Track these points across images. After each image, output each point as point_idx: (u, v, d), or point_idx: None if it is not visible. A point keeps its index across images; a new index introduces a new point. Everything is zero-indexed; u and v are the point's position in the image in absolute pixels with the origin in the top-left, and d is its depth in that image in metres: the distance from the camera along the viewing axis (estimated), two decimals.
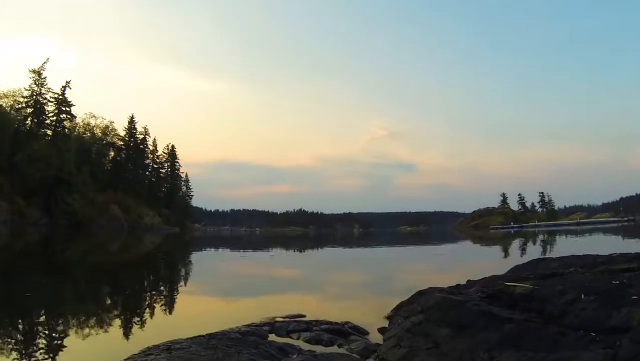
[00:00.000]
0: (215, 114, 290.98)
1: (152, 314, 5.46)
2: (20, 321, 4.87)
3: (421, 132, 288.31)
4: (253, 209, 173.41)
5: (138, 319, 5.12)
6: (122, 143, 63.87)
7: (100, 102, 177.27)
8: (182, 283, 8.89)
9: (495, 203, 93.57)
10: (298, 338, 3.88)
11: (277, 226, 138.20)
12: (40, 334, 4.30)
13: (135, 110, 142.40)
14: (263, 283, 8.46)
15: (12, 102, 47.99)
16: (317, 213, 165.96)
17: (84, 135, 56.96)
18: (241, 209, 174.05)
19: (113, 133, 62.47)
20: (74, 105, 50.69)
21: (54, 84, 48.30)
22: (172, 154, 73.53)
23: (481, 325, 2.92)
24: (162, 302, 6.44)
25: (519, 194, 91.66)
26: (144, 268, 11.98)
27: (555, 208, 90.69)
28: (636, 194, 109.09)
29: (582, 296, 2.88)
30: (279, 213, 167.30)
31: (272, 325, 4.21)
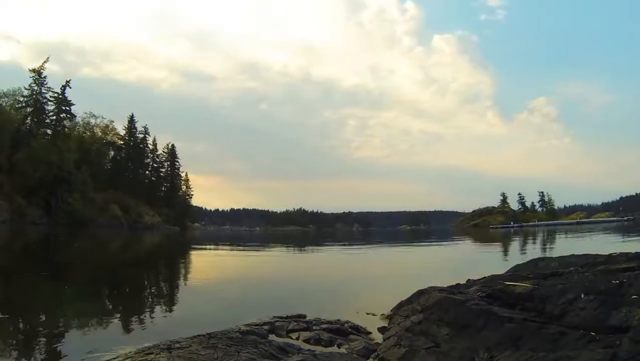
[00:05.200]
0: None
1: (152, 313, 5.46)
2: (20, 320, 4.88)
3: None
4: (253, 209, 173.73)
5: (138, 318, 5.13)
6: (122, 142, 63.85)
7: None
8: (182, 282, 8.89)
9: (495, 202, 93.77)
10: (298, 338, 3.88)
11: (277, 225, 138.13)
12: (41, 333, 4.30)
13: None
14: (263, 281, 8.47)
15: (12, 102, 48.00)
16: (317, 212, 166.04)
17: (84, 134, 56.87)
18: (241, 209, 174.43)
19: (113, 133, 62.46)
20: (74, 104, 50.75)
21: None
22: (172, 153, 73.49)
23: (481, 324, 2.92)
24: (162, 301, 6.44)
25: (519, 194, 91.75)
26: (144, 267, 11.98)
27: (555, 207, 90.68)
28: (636, 194, 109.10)
29: (582, 295, 2.87)
30: (278, 212, 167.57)
31: (272, 324, 4.21)
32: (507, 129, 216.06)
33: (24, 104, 48.12)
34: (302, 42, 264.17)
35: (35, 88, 48.03)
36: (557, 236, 28.07)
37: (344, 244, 24.57)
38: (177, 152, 74.28)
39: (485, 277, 4.82)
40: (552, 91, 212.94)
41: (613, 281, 2.99)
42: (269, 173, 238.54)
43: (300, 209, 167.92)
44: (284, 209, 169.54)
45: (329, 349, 3.58)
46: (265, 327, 4.09)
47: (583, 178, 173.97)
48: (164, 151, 72.55)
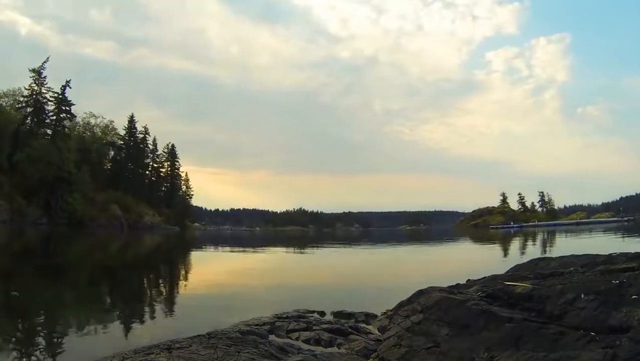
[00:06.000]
0: None
1: (152, 313, 5.46)
2: (21, 320, 4.87)
3: None
4: (253, 209, 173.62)
5: (138, 318, 5.13)
6: (122, 142, 63.82)
7: None
8: (182, 283, 8.89)
9: (495, 202, 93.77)
10: (298, 338, 3.88)
11: (277, 225, 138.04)
12: (41, 333, 4.30)
13: None
14: (263, 282, 8.46)
15: (12, 102, 47.96)
16: (317, 212, 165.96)
17: (84, 134, 56.84)
18: (241, 208, 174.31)
19: (113, 132, 62.38)
20: (74, 104, 50.71)
21: None
22: (172, 153, 73.47)
23: (481, 324, 2.92)
24: (162, 301, 6.44)
25: (519, 194, 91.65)
26: (144, 268, 11.97)
27: (555, 207, 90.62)
28: (636, 194, 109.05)
29: (582, 295, 2.87)
30: (279, 212, 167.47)
31: (272, 324, 4.21)
32: (562, 125, 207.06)
33: (24, 104, 48.08)
34: (389, 31, 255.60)
35: (35, 88, 47.98)
36: (557, 236, 28.07)
37: (344, 245, 24.58)
38: (176, 152, 74.29)
39: (485, 277, 4.82)
40: (618, 89, 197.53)
41: (613, 281, 2.99)
42: (306, 168, 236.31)
43: (300, 209, 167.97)
44: (284, 209, 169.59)
45: (329, 349, 3.57)
46: (265, 327, 4.09)
47: (619, 178, 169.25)
48: (164, 151, 72.58)
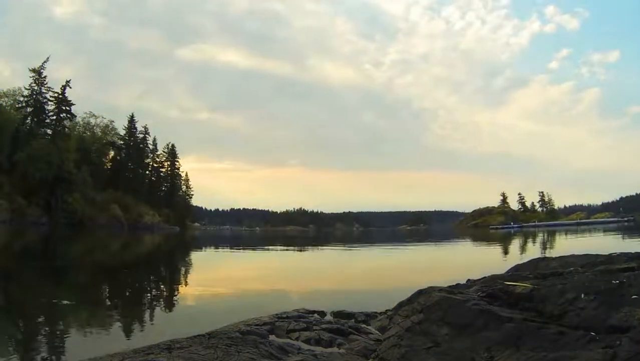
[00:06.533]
0: None
1: (152, 313, 5.47)
2: (21, 320, 4.88)
3: None
4: (253, 209, 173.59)
5: (138, 318, 5.13)
6: (122, 142, 63.85)
7: None
8: (182, 283, 8.89)
9: (495, 202, 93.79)
10: (298, 338, 3.88)
11: (276, 225, 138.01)
12: (41, 333, 4.30)
13: None
14: (263, 282, 8.47)
15: (12, 102, 47.98)
16: (317, 212, 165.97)
17: (84, 134, 56.84)
18: (241, 208, 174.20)
19: (113, 132, 62.37)
20: (74, 104, 50.72)
21: None
22: (172, 153, 73.46)
23: (481, 324, 2.92)
24: (162, 301, 6.44)
25: (519, 194, 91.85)
26: (144, 268, 11.97)
27: (555, 207, 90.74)
28: (636, 194, 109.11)
29: (582, 295, 2.87)
30: (279, 212, 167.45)
31: (272, 324, 4.20)
32: (599, 125, 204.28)
33: (24, 104, 48.08)
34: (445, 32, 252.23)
35: (35, 88, 47.98)
36: (557, 236, 28.08)
37: (344, 245, 24.59)
38: (177, 152, 74.29)
39: (485, 277, 4.82)
40: None
41: (613, 281, 2.99)
42: (315, 166, 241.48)
43: (300, 209, 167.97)
44: (284, 209, 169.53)
45: (329, 349, 3.57)
46: (265, 327, 4.08)
47: (619, 178, 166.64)
48: (164, 151, 72.59)
